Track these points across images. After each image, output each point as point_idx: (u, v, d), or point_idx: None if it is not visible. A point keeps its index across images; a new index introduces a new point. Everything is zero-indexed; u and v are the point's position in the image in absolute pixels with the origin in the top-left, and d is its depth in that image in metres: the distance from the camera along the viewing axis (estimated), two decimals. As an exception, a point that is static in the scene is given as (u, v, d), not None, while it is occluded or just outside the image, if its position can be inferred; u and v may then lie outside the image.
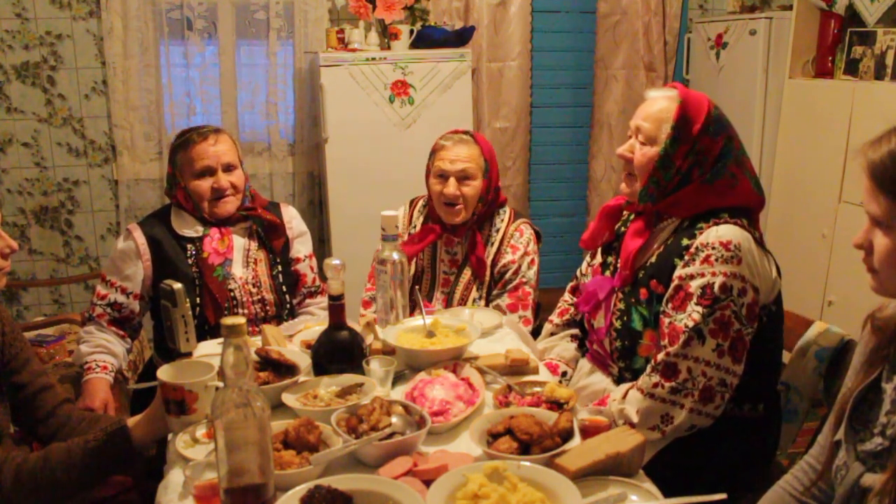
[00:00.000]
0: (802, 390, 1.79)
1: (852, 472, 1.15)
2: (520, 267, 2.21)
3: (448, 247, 2.29)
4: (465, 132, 2.27)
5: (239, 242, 2.24)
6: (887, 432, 1.12)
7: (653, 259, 1.70)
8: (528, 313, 2.20)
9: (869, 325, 1.22)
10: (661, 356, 1.60)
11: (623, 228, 1.86)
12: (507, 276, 2.22)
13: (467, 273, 2.25)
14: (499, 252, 2.24)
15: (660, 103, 1.69)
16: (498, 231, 2.25)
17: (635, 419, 1.59)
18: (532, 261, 2.23)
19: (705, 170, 1.65)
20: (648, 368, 1.63)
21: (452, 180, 2.17)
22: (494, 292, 2.24)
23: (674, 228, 1.70)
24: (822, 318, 1.90)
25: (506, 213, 2.29)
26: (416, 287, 2.25)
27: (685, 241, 1.63)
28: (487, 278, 2.23)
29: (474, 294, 2.23)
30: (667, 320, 1.62)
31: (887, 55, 3.01)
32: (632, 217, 1.82)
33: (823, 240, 3.22)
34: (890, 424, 1.12)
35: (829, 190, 3.18)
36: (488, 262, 2.23)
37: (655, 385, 1.59)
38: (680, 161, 1.65)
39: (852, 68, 3.19)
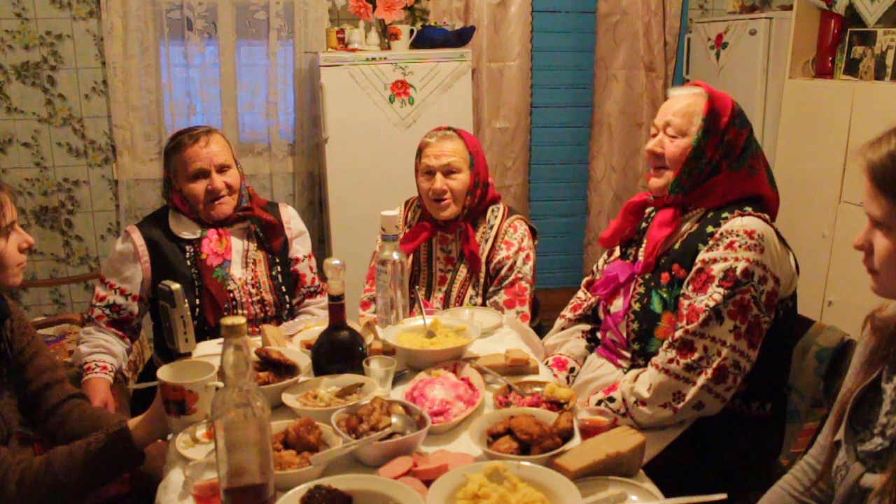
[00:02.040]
0: (802, 390, 1.79)
1: (852, 472, 1.15)
2: (515, 263, 2.22)
3: (443, 244, 2.30)
4: (449, 128, 2.29)
5: (237, 244, 2.24)
6: (887, 433, 1.12)
7: (676, 246, 1.74)
8: (526, 308, 2.21)
9: (869, 325, 1.23)
10: (678, 333, 1.63)
11: (644, 224, 1.89)
12: (503, 272, 2.22)
13: (463, 270, 2.25)
14: (493, 249, 2.24)
15: (687, 99, 1.75)
16: (492, 228, 2.26)
17: (647, 396, 1.61)
18: (527, 256, 2.24)
19: (732, 160, 1.71)
20: (665, 345, 1.65)
21: (439, 175, 2.19)
22: (491, 289, 2.24)
23: (698, 218, 1.74)
24: (822, 318, 1.91)
25: (500, 210, 2.30)
26: (416, 286, 2.25)
27: (710, 229, 1.67)
28: (483, 275, 2.24)
29: (471, 291, 2.24)
30: (686, 302, 1.65)
31: (887, 55, 3.01)
32: (654, 212, 1.85)
33: (823, 240, 3.22)
34: (890, 425, 1.12)
35: (829, 190, 3.18)
36: (483, 258, 2.23)
37: (670, 361, 1.61)
38: (711, 152, 1.71)
39: (852, 68, 3.19)
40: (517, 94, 4.03)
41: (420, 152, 2.27)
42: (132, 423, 1.46)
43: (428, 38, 3.49)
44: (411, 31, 3.50)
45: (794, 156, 3.44)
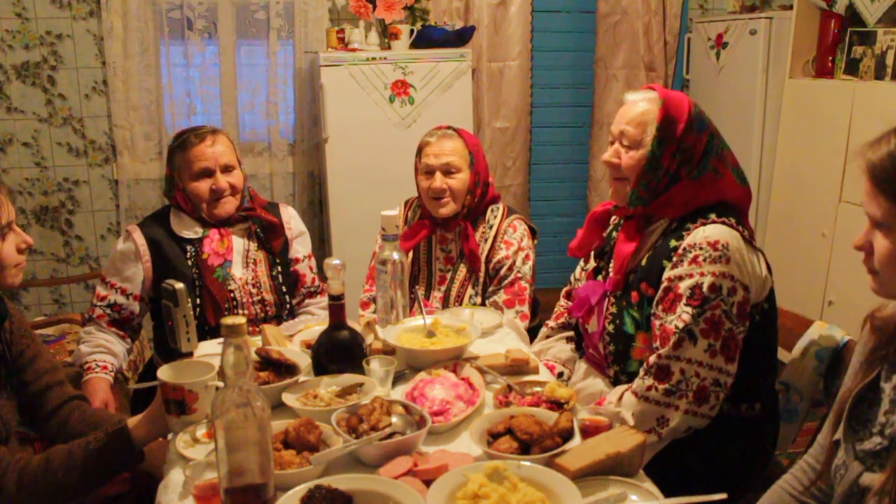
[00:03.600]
0: (802, 390, 1.79)
1: (851, 471, 1.15)
2: (514, 262, 2.22)
3: (442, 244, 2.30)
4: (449, 127, 2.29)
5: (238, 243, 2.24)
6: (886, 432, 1.12)
7: (643, 262, 1.70)
8: (525, 308, 2.21)
9: (868, 324, 1.22)
10: (653, 358, 1.60)
11: (614, 233, 1.86)
12: (503, 272, 2.22)
13: (462, 269, 2.25)
14: (493, 248, 2.24)
15: (641, 106, 1.70)
16: (492, 227, 2.26)
17: (631, 422, 1.59)
18: (527, 256, 2.24)
19: (692, 167, 1.66)
20: (641, 371, 1.63)
21: (438, 174, 2.20)
22: (490, 289, 2.24)
23: (662, 230, 1.70)
24: (822, 318, 1.90)
25: (499, 210, 2.30)
26: (416, 286, 2.26)
27: (673, 243, 1.63)
28: (482, 275, 2.24)
29: (470, 291, 2.24)
30: (657, 322, 1.62)
31: (887, 55, 3.01)
32: (621, 221, 1.82)
33: (823, 239, 3.22)
34: (889, 424, 1.12)
35: (829, 190, 3.18)
36: (482, 258, 2.24)
37: (649, 388, 1.59)
38: (667, 162, 1.66)
39: (852, 68, 3.19)
40: (517, 93, 4.03)
41: (420, 151, 2.27)
42: (132, 422, 1.46)
43: (428, 38, 3.50)
44: (411, 31, 3.50)
45: (794, 156, 3.44)
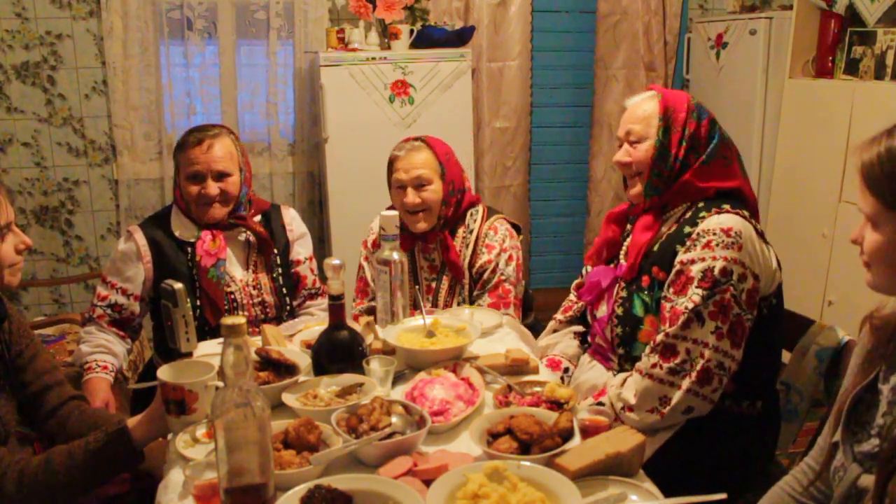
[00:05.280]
0: (802, 390, 1.79)
1: (850, 473, 1.15)
2: (497, 265, 2.20)
3: (425, 253, 2.28)
4: (417, 139, 2.26)
5: (238, 244, 2.24)
6: (884, 434, 1.12)
7: (655, 248, 1.73)
8: (511, 311, 2.18)
9: (868, 325, 1.23)
10: (659, 337, 1.62)
11: (629, 227, 1.88)
12: (486, 275, 2.20)
13: (447, 278, 2.24)
14: (475, 253, 2.22)
15: (642, 105, 1.78)
16: (472, 232, 2.23)
17: (633, 401, 1.61)
18: (510, 257, 2.21)
19: (700, 153, 1.72)
20: (647, 349, 1.65)
21: (410, 189, 2.17)
22: (475, 293, 2.23)
23: (676, 219, 1.73)
24: (822, 318, 1.91)
25: (478, 213, 2.27)
26: (416, 286, 2.25)
27: (687, 229, 1.67)
28: (467, 280, 2.22)
29: (458, 298, 2.22)
30: (668, 304, 1.65)
31: (887, 55, 3.01)
32: (636, 219, 1.84)
33: (823, 239, 3.22)
34: (886, 426, 1.12)
35: (830, 189, 3.18)
36: (465, 264, 2.22)
37: (654, 366, 1.61)
38: (675, 149, 1.72)
39: (852, 68, 3.19)
40: (517, 93, 4.03)
41: (390, 165, 2.24)
42: (132, 422, 1.46)
43: (428, 38, 3.50)
44: (411, 31, 3.50)
45: (794, 156, 3.44)
